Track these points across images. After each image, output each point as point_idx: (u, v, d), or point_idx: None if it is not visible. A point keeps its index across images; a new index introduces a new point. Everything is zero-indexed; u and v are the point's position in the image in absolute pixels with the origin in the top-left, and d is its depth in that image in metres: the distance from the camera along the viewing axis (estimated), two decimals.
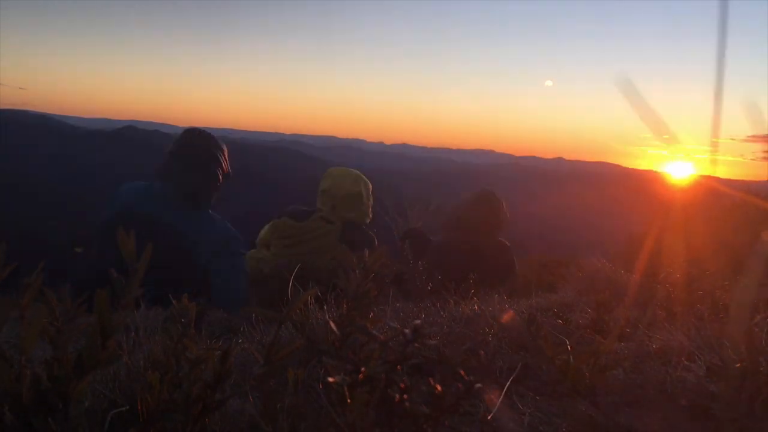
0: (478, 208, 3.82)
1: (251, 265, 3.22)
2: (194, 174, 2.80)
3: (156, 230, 2.62)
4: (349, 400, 0.72)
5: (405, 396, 0.65)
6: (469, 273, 3.12)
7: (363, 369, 0.69)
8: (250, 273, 3.09)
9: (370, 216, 3.49)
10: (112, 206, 2.80)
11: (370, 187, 3.49)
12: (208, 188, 2.86)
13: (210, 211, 2.90)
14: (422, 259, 3.31)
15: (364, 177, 3.49)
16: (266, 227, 3.32)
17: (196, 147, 2.85)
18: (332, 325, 0.95)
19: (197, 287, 2.47)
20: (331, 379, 0.70)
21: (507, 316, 1.58)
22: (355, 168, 3.56)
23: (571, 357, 0.92)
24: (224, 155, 2.93)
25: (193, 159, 2.82)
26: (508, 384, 1.13)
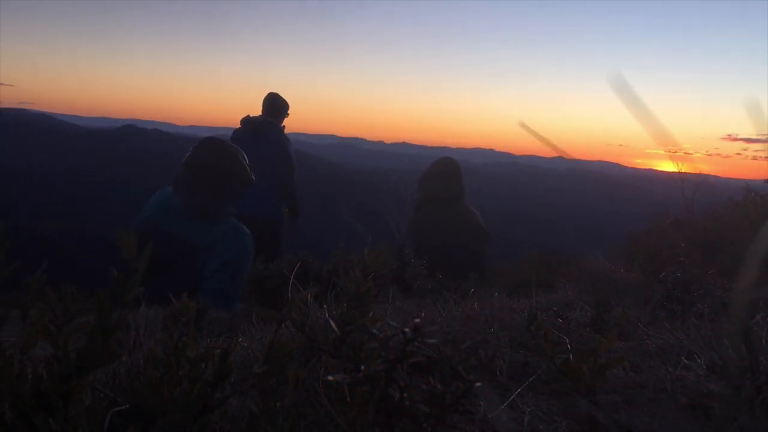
0: (436, 176, 4.16)
1: None
2: (201, 189, 2.85)
3: (162, 238, 2.79)
4: (349, 399, 0.72)
5: (405, 395, 0.65)
6: (445, 241, 3.35)
7: (363, 368, 0.69)
8: None
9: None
10: (140, 214, 2.97)
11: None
12: (217, 202, 2.90)
13: (232, 220, 2.98)
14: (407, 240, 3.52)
15: None
16: None
17: (205, 163, 2.88)
18: (332, 323, 0.95)
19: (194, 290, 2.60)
20: (330, 378, 0.70)
21: (507, 314, 1.58)
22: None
23: (570, 356, 0.92)
24: (240, 165, 2.95)
25: (201, 176, 2.86)
26: (518, 391, 1.13)
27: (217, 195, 2.89)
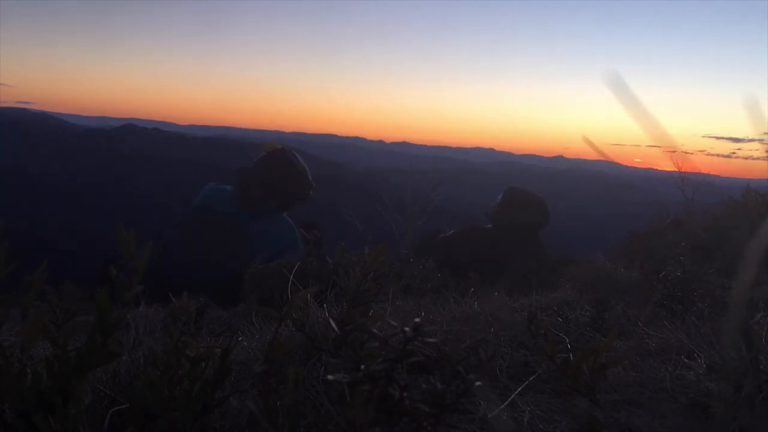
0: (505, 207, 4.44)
1: None
2: (258, 191, 3.83)
3: (224, 225, 3.58)
4: (349, 399, 0.72)
5: (405, 394, 0.65)
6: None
7: (363, 367, 0.69)
8: None
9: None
10: (195, 201, 3.80)
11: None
12: (270, 202, 3.86)
13: (283, 216, 3.92)
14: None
15: None
16: None
17: (272, 174, 3.88)
18: (332, 323, 0.95)
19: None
20: (330, 377, 0.70)
21: (507, 314, 1.58)
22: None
23: (570, 355, 0.92)
24: (298, 177, 3.94)
25: (264, 182, 3.85)
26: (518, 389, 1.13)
27: (273, 197, 3.88)
